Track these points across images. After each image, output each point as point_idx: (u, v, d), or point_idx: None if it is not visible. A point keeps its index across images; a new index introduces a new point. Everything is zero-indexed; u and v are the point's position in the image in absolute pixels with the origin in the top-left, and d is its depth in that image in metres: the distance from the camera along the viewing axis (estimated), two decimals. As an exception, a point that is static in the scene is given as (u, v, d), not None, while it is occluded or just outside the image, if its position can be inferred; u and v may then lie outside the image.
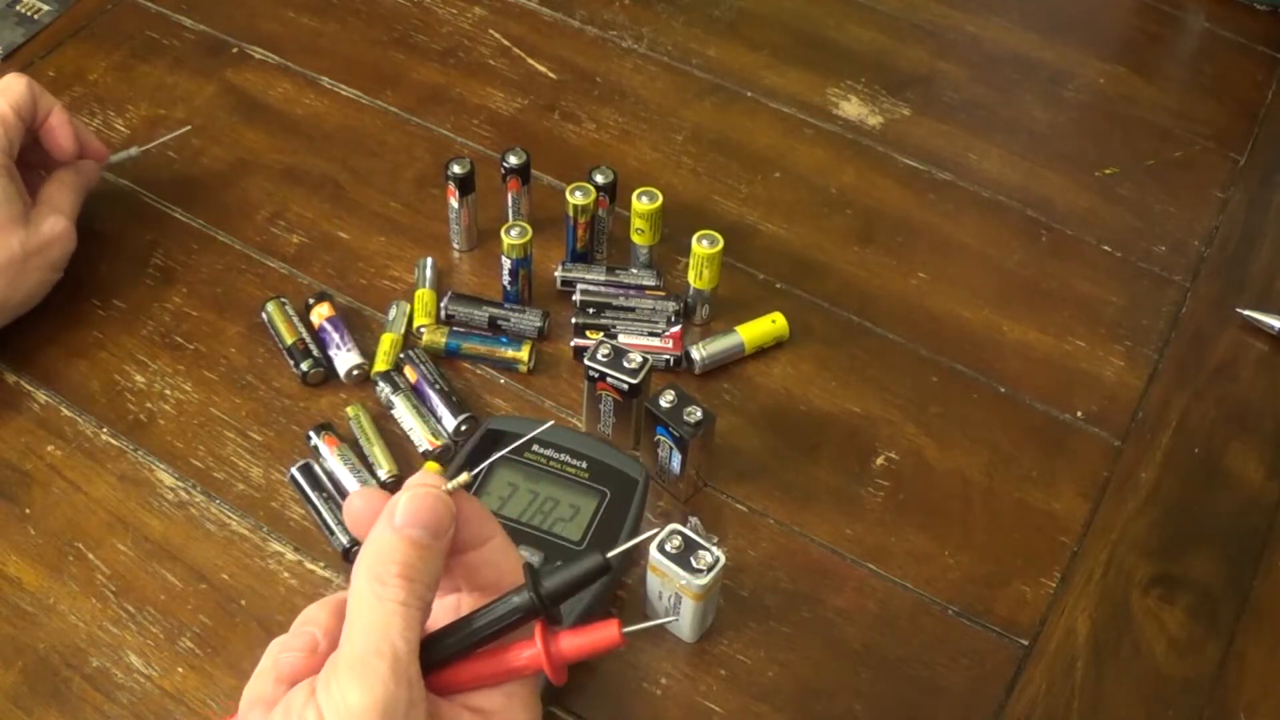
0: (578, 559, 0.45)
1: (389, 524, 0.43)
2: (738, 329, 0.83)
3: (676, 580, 0.68)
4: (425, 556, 0.43)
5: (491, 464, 0.72)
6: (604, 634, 0.45)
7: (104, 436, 0.78)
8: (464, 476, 0.45)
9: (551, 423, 0.54)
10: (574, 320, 0.83)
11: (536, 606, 0.45)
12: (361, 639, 0.42)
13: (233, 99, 0.98)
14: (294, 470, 0.75)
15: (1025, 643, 0.73)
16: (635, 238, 0.85)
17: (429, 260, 0.86)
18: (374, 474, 0.76)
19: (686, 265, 0.85)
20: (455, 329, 0.83)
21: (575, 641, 0.45)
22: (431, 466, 0.76)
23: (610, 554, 0.44)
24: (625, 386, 0.75)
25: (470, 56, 1.02)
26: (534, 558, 0.69)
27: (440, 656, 0.45)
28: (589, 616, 0.68)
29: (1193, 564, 0.76)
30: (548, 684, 0.65)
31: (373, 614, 0.42)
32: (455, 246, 0.89)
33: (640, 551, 0.72)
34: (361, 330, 0.83)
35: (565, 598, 0.45)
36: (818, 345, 0.85)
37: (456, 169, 0.85)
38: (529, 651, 0.45)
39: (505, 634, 0.45)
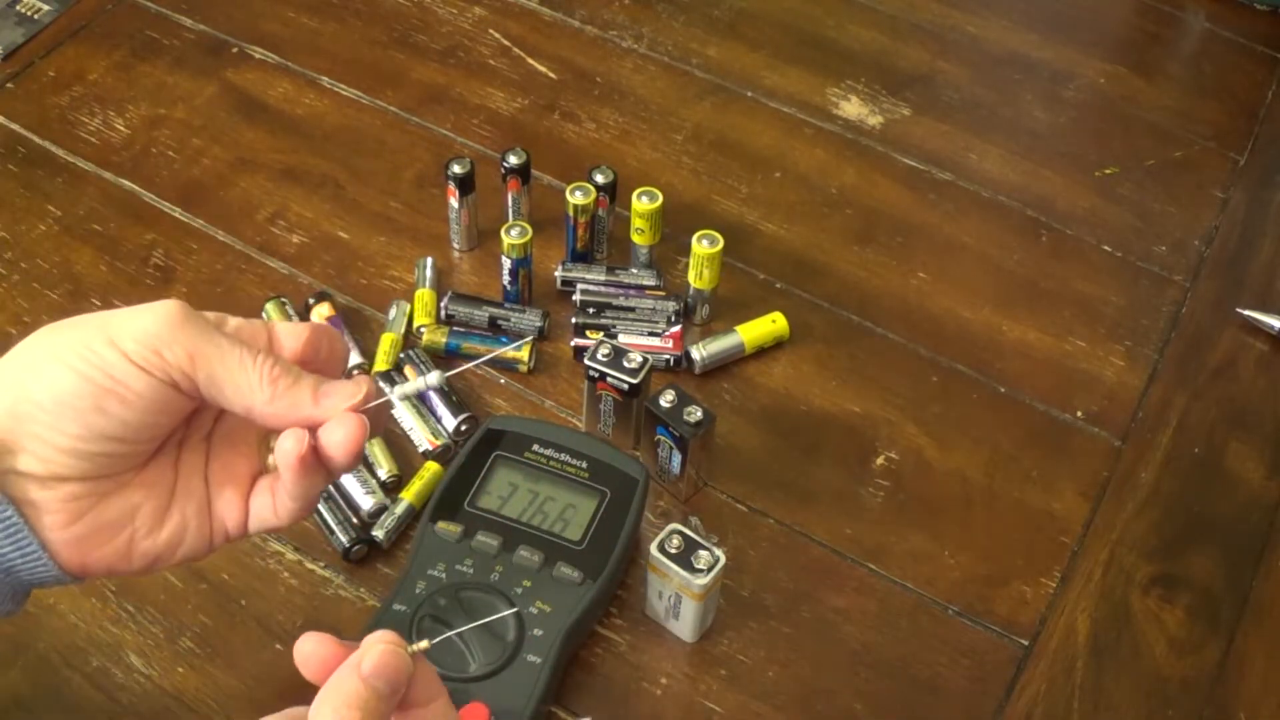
0: None
1: (357, 671, 0.47)
2: (738, 329, 0.83)
3: (676, 580, 0.68)
4: (380, 708, 0.47)
5: (491, 464, 0.73)
6: None
7: (104, 436, 0.78)
8: (424, 644, 0.50)
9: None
10: (574, 320, 0.83)
11: None
12: None
13: (233, 99, 0.98)
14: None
15: (1025, 643, 0.73)
16: (635, 238, 0.85)
17: (429, 260, 0.86)
18: (374, 473, 0.76)
19: (686, 265, 0.85)
20: (455, 329, 0.83)
21: None
22: (431, 466, 0.76)
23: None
24: (625, 386, 0.75)
25: (470, 56, 1.02)
26: (534, 557, 0.69)
27: None
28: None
29: (1193, 564, 0.76)
30: (548, 684, 0.66)
31: None
32: (455, 246, 0.89)
33: (641, 551, 0.72)
34: (361, 330, 0.83)
35: None
36: (818, 345, 0.85)
37: (456, 169, 0.85)
38: None
39: None
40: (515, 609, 0.63)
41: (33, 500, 0.48)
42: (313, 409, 0.51)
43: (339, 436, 0.51)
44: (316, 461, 0.52)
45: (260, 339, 0.53)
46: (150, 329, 0.48)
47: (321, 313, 0.82)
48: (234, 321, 0.53)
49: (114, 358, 0.47)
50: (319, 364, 0.53)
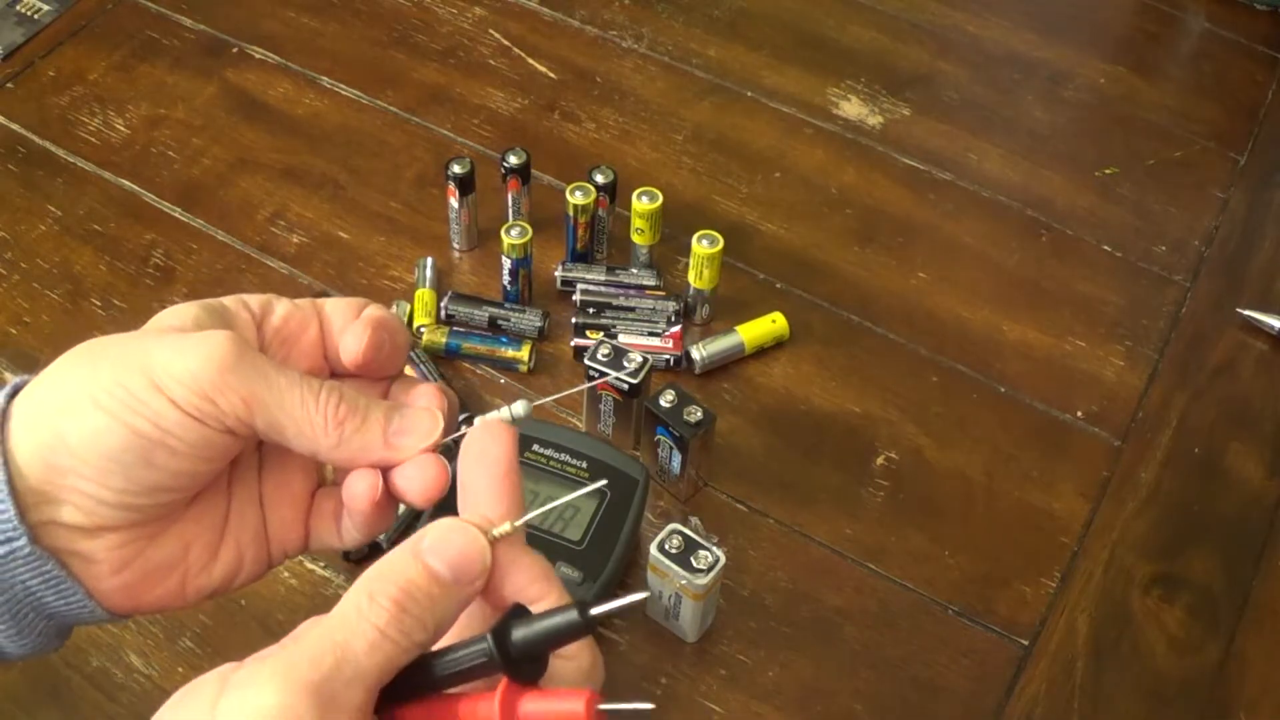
0: (558, 614, 0.39)
1: (412, 547, 0.39)
2: (738, 329, 0.83)
3: (676, 580, 0.68)
4: (434, 594, 0.39)
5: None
6: (570, 706, 0.39)
7: (104, 436, 0.78)
8: (507, 526, 0.40)
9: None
10: (574, 320, 0.83)
11: (498, 661, 0.38)
12: (312, 641, 0.37)
13: (233, 99, 0.98)
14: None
15: (1025, 643, 0.73)
16: (635, 238, 0.85)
17: (429, 260, 0.86)
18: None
19: (686, 265, 0.85)
20: (455, 329, 0.83)
21: (537, 707, 0.39)
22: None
23: (594, 611, 0.39)
24: (625, 386, 0.75)
25: (470, 56, 1.02)
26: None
27: (400, 693, 0.40)
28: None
29: (1193, 564, 0.76)
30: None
31: (341, 625, 0.38)
32: (455, 246, 0.89)
33: (641, 551, 0.72)
34: (361, 330, 0.83)
35: (534, 655, 0.39)
36: (818, 345, 0.85)
37: (456, 169, 0.85)
38: (485, 708, 0.39)
39: (470, 680, 0.39)
40: (605, 481, 0.53)
41: (78, 551, 0.44)
42: (384, 452, 0.45)
43: (417, 484, 0.45)
44: (389, 499, 0.46)
45: (310, 329, 0.47)
46: (199, 373, 0.42)
47: (321, 313, 0.82)
48: (280, 310, 0.48)
49: (161, 406, 0.42)
50: (381, 362, 0.47)
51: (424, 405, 0.47)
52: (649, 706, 0.39)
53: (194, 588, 0.47)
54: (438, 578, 0.39)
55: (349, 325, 0.48)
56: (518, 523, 0.41)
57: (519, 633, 0.38)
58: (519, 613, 0.39)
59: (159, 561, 0.45)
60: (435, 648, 0.40)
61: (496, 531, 0.40)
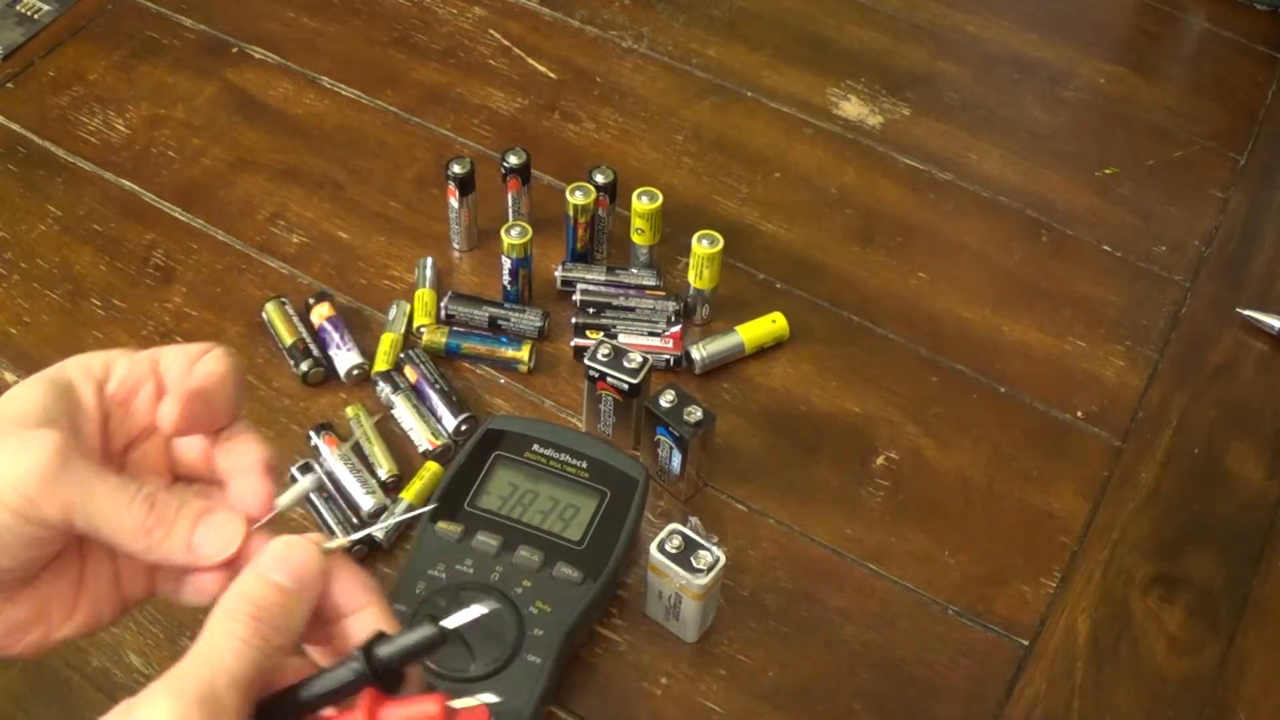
0: (413, 628, 0.44)
1: (254, 568, 0.45)
2: (738, 329, 0.83)
3: (676, 580, 0.68)
4: (283, 603, 0.44)
5: (491, 464, 0.73)
6: (423, 709, 0.44)
7: (104, 436, 0.78)
8: (341, 540, 0.47)
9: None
10: (574, 320, 0.83)
11: (367, 674, 0.44)
12: (189, 663, 0.43)
13: (233, 99, 0.98)
14: (294, 470, 0.75)
15: (1025, 643, 0.73)
16: (635, 238, 0.85)
17: (429, 260, 0.86)
18: (374, 473, 0.76)
19: (686, 265, 0.85)
20: (455, 329, 0.83)
21: (400, 712, 0.44)
22: (431, 466, 0.76)
23: (446, 624, 0.44)
24: (625, 386, 0.75)
25: (470, 56, 1.02)
26: (534, 557, 0.69)
27: (276, 717, 0.45)
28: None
29: (1193, 564, 0.76)
30: (548, 685, 0.65)
31: (210, 644, 0.44)
32: (455, 246, 0.89)
33: (641, 551, 0.72)
34: (361, 330, 0.83)
35: (398, 665, 0.44)
36: (818, 345, 0.85)
37: (456, 169, 0.85)
38: (354, 717, 0.44)
39: (341, 697, 0.45)
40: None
41: None
42: (186, 558, 0.48)
43: (211, 548, 0.48)
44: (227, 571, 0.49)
45: (145, 387, 0.50)
46: (25, 480, 0.46)
47: (321, 313, 0.82)
48: (118, 372, 0.50)
49: None
50: (209, 418, 0.50)
51: (229, 507, 0.49)
52: (494, 699, 0.46)
53: (58, 637, 0.50)
54: (282, 588, 0.45)
55: (178, 384, 0.49)
56: (342, 541, 0.47)
57: (384, 649, 0.44)
58: (381, 636, 0.45)
59: (17, 621, 0.49)
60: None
61: (328, 545, 0.46)
